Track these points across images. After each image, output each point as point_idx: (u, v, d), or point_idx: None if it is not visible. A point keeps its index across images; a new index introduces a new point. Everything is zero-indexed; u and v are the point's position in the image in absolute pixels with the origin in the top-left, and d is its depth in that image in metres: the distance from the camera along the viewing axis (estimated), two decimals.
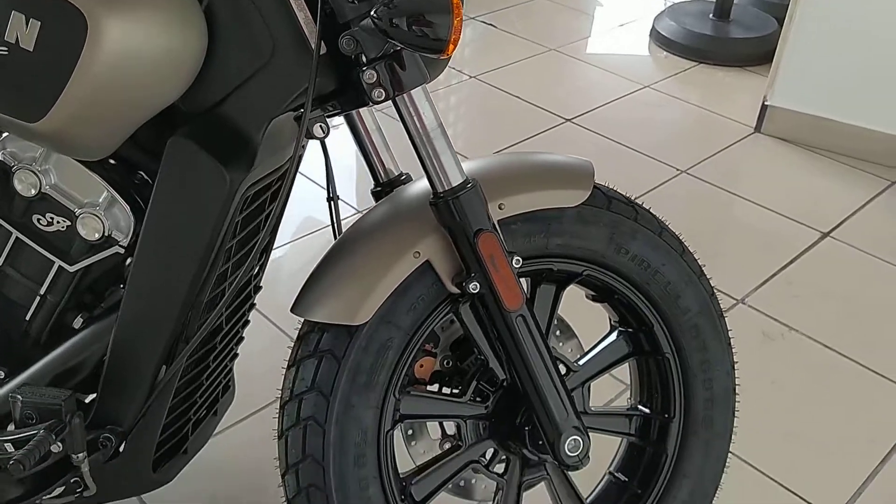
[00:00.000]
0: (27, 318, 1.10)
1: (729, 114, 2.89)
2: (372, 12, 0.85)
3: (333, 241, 1.22)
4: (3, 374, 1.10)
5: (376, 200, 1.22)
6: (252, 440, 1.59)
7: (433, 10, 0.85)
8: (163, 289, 1.00)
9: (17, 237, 1.05)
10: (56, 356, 1.07)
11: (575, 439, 1.08)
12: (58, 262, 1.05)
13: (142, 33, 0.88)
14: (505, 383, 1.14)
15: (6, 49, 0.88)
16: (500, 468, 1.19)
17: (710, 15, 3.39)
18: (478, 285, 1.01)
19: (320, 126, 1.02)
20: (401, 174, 1.22)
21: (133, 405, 1.06)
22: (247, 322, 1.29)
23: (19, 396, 0.98)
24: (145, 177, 1.07)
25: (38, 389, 1.00)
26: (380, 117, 1.20)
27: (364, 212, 1.18)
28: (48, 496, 1.04)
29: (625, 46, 3.40)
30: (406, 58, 0.93)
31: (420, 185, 1.08)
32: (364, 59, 0.92)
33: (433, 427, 1.22)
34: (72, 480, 1.04)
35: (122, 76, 0.89)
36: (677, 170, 2.52)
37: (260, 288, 1.28)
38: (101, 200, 1.02)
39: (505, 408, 1.15)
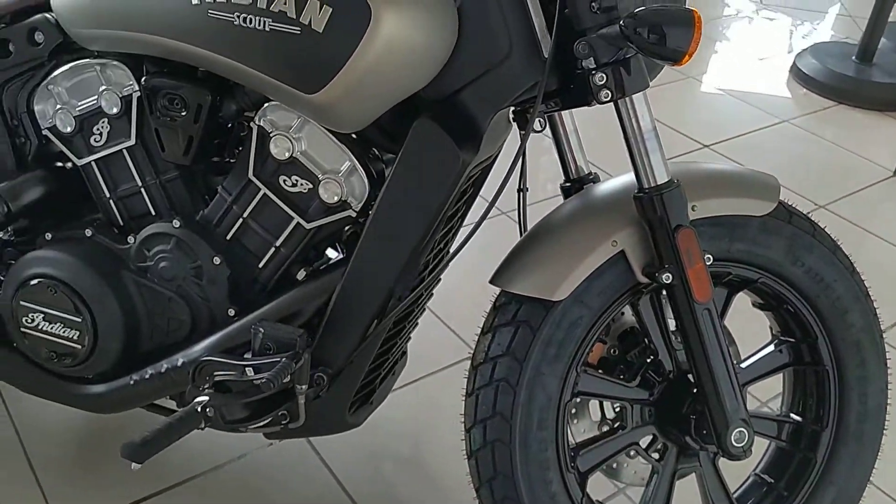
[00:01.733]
0: (260, 266, 1.25)
1: (867, 155, 2.90)
2: (620, 21, 0.97)
3: (519, 227, 1.34)
4: (233, 311, 1.26)
5: (565, 194, 1.34)
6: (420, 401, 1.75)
7: (677, 23, 0.96)
8: (390, 250, 1.14)
9: (264, 194, 1.21)
10: (283, 301, 1.22)
11: (741, 431, 1.16)
12: (297, 219, 1.20)
13: (411, 26, 1.02)
14: (671, 374, 1.24)
15: (299, 29, 1.03)
16: (654, 455, 1.29)
17: (853, 57, 3.39)
18: (671, 276, 1.11)
19: (539, 120, 1.15)
20: (589, 173, 1.34)
21: (345, 351, 1.20)
22: (431, 294, 1.43)
23: (261, 329, 1.14)
24: (376, 152, 1.22)
25: (275, 325, 1.15)
26: None
27: (545, 202, 1.30)
28: (262, 422, 1.19)
29: (764, 81, 3.43)
30: (633, 64, 1.05)
31: (618, 182, 1.19)
32: (595, 62, 1.04)
33: (594, 409, 1.32)
34: (283, 411, 1.19)
35: (390, 61, 1.03)
36: (815, 204, 2.55)
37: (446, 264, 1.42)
38: (342, 168, 1.17)
39: (670, 396, 1.24)
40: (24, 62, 1.28)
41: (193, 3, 1.08)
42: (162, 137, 1.21)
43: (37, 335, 1.28)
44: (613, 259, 1.14)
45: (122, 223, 1.31)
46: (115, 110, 1.24)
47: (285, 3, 1.03)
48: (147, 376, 1.26)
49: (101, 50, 1.23)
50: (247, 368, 1.12)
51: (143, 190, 1.28)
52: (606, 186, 1.20)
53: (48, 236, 1.30)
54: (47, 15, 1.27)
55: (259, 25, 1.05)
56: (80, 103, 1.26)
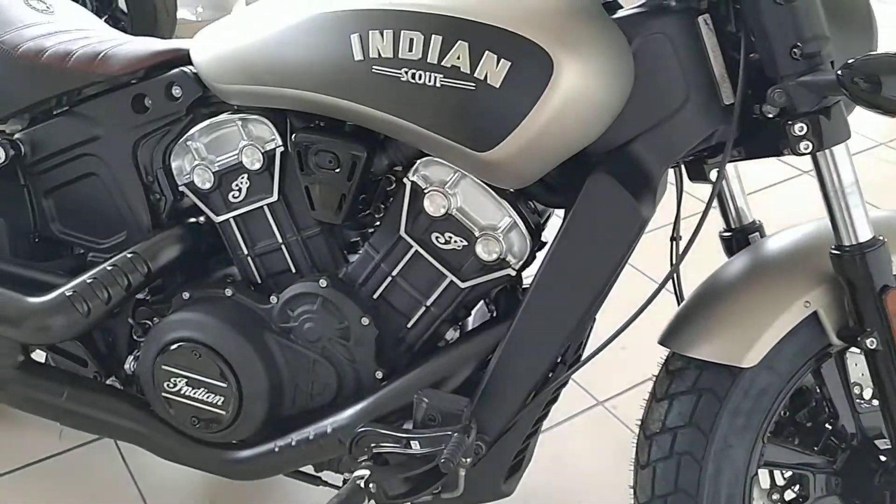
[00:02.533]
0: (409, 326, 1.19)
1: None
2: (838, 71, 0.88)
3: (673, 281, 1.25)
4: (381, 374, 1.20)
5: (726, 244, 1.25)
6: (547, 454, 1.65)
7: (894, 73, 0.87)
8: (559, 312, 1.07)
9: (415, 251, 1.14)
10: (436, 364, 1.15)
11: None
12: (450, 278, 1.14)
13: (593, 76, 0.95)
14: (855, 439, 1.14)
15: (473, 84, 0.97)
16: None
17: None
18: (875, 341, 1.01)
19: (716, 171, 1.07)
20: (753, 221, 1.25)
21: (505, 417, 1.13)
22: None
23: (425, 399, 1.07)
24: (536, 206, 1.15)
25: (439, 394, 1.09)
26: None
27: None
28: (421, 496, 1.12)
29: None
30: (835, 113, 0.96)
31: (802, 235, 1.10)
32: (792, 111, 0.96)
33: (763, 476, 1.23)
34: (441, 483, 1.12)
35: (569, 114, 0.96)
36: None
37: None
38: (501, 224, 1.10)
39: (857, 465, 1.14)
40: (161, 117, 1.25)
41: (356, 59, 1.02)
42: (312, 195, 1.15)
43: (179, 400, 1.23)
44: (805, 321, 1.04)
45: (259, 280, 1.26)
46: (256, 166, 1.19)
47: (459, 58, 0.96)
48: (293, 443, 1.20)
49: (243, 105, 1.18)
50: (412, 441, 1.06)
51: (283, 247, 1.23)
52: (788, 240, 1.11)
53: (185, 296, 1.26)
54: (185, 69, 1.24)
55: (429, 81, 0.99)
56: (219, 159, 1.22)
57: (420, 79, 0.99)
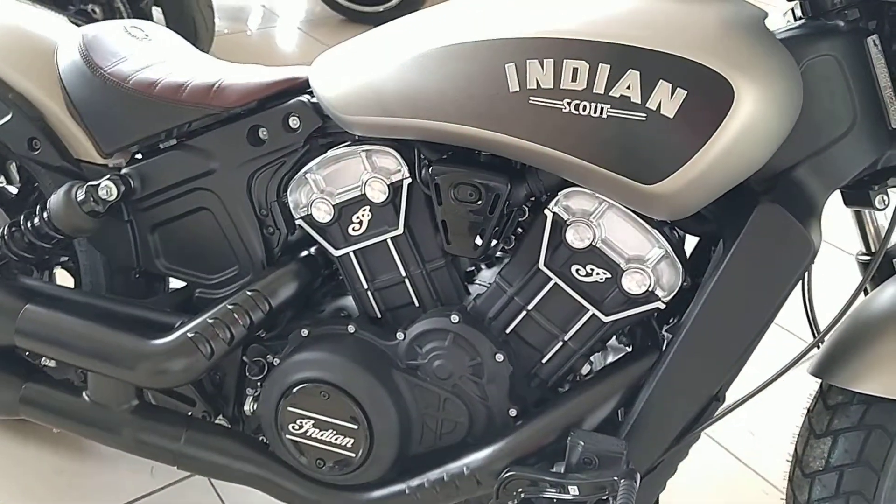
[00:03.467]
0: (543, 361, 1.15)
1: None
2: None
3: (805, 306, 1.21)
4: (515, 411, 1.15)
5: (864, 267, 1.21)
6: None
7: None
8: (721, 347, 1.03)
9: (555, 284, 1.10)
10: (579, 401, 1.11)
11: None
12: (592, 311, 1.09)
13: (769, 102, 0.91)
14: None
15: (644, 115, 0.92)
16: None
17: None
18: None
19: (882, 198, 1.03)
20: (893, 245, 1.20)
21: (653, 456, 1.08)
22: None
23: (581, 441, 1.03)
24: (679, 233, 1.10)
25: (596, 436, 1.04)
26: None
27: None
28: None
29: None
30: None
31: None
32: None
33: None
34: None
35: (745, 143, 0.92)
36: None
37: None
38: (650, 256, 1.05)
39: None
40: (278, 149, 1.20)
41: (511, 90, 0.97)
42: (448, 228, 1.11)
43: (305, 443, 1.18)
44: None
45: (378, 315, 1.22)
46: (381, 198, 1.14)
47: (629, 88, 0.92)
48: (426, 485, 1.15)
49: (369, 135, 1.13)
50: (569, 486, 1.01)
51: (406, 280, 1.19)
52: None
53: (304, 333, 1.21)
54: (303, 99, 1.19)
55: (594, 112, 0.94)
56: (340, 191, 1.17)
57: (584, 110, 0.94)
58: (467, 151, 1.10)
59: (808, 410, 1.11)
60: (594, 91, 0.94)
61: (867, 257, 1.21)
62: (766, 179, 0.99)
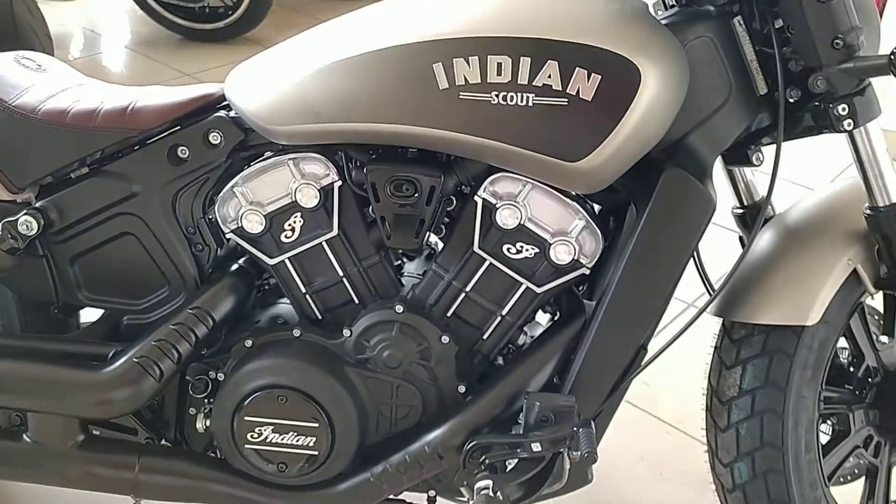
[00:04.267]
0: (484, 337, 1.23)
1: None
2: (890, 55, 1.01)
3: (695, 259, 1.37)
4: (463, 388, 1.23)
5: (740, 219, 1.39)
6: None
7: None
8: (643, 303, 1.15)
9: (489, 264, 1.19)
10: (523, 370, 1.20)
11: None
12: (525, 285, 1.19)
13: (667, 79, 1.04)
14: (879, 374, 1.30)
15: (566, 100, 1.03)
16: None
17: None
18: None
19: (758, 155, 1.20)
20: (761, 198, 1.39)
21: (595, 406, 1.19)
22: None
23: (537, 402, 1.12)
24: (591, 205, 1.22)
25: (548, 395, 1.14)
26: None
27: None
28: (536, 494, 1.17)
29: None
30: (868, 93, 1.11)
31: (827, 202, 1.25)
32: (832, 96, 1.10)
33: None
34: (549, 478, 1.18)
35: (652, 117, 1.05)
36: None
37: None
38: (572, 228, 1.16)
39: (884, 397, 1.30)
40: (200, 167, 1.21)
41: (441, 87, 1.05)
42: (388, 223, 1.17)
43: (265, 449, 1.20)
44: (849, 277, 1.19)
45: (318, 316, 1.26)
46: (312, 203, 1.19)
47: (549, 77, 1.02)
48: (389, 469, 1.21)
49: (297, 144, 1.17)
50: (532, 444, 1.10)
51: (344, 279, 1.24)
52: (816, 208, 1.26)
53: (248, 343, 1.23)
54: (221, 114, 1.21)
55: (521, 101, 1.04)
56: (270, 201, 1.20)
57: (511, 100, 1.04)
58: (394, 149, 1.17)
59: (716, 348, 1.27)
60: (519, 82, 1.03)
61: (741, 210, 1.39)
62: (665, 149, 1.13)
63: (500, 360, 1.28)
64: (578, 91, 1.03)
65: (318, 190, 1.18)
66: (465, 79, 1.05)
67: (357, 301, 1.25)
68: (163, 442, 1.30)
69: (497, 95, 1.04)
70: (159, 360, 1.15)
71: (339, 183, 1.19)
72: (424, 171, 1.14)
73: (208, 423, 1.22)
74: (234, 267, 1.28)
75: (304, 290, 1.24)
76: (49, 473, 1.19)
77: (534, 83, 1.03)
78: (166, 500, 1.24)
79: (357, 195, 1.21)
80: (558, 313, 1.29)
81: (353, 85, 1.09)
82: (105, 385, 1.14)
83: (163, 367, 1.15)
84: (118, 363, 1.15)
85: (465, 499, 1.29)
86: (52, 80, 1.26)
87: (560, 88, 1.03)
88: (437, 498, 1.30)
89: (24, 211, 1.18)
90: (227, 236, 1.23)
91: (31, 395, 1.14)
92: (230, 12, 3.86)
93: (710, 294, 1.28)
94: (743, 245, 1.40)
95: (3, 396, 1.14)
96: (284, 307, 1.32)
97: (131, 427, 1.29)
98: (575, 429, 1.09)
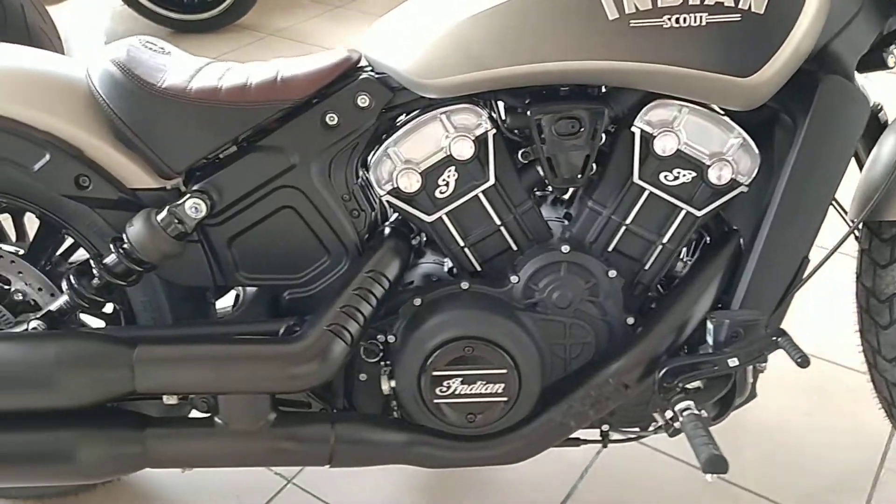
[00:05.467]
0: (646, 267, 1.25)
1: None
2: None
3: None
4: (631, 320, 1.25)
5: None
6: None
7: None
8: (807, 212, 1.18)
9: (649, 194, 1.21)
10: (691, 292, 1.23)
11: None
12: (686, 209, 1.21)
13: None
14: None
15: (739, 15, 1.05)
16: None
17: None
18: None
19: (892, 58, 1.23)
20: (876, 103, 1.41)
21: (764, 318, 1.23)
22: None
23: (725, 319, 1.15)
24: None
25: (731, 312, 1.17)
26: None
27: None
28: (731, 409, 1.21)
29: None
30: None
31: None
32: None
33: None
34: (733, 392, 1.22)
35: (812, 28, 1.07)
36: None
37: None
38: (729, 147, 1.18)
39: None
40: (352, 131, 1.21)
41: (611, 18, 1.06)
42: (554, 164, 1.18)
43: (454, 402, 1.21)
44: None
45: (478, 268, 1.27)
46: (468, 155, 1.19)
47: None
48: (575, 406, 1.23)
49: (453, 95, 1.17)
50: (728, 360, 1.13)
51: (502, 228, 1.25)
52: None
53: (416, 302, 1.24)
54: (367, 75, 1.21)
55: (694, 22, 1.05)
56: (424, 158, 1.20)
57: (684, 22, 1.05)
58: (545, 89, 1.17)
59: (863, 251, 1.30)
60: (690, 3, 1.05)
61: None
62: (813, 59, 1.15)
63: (659, 290, 1.30)
64: (750, 5, 1.04)
65: (473, 141, 1.18)
66: (636, 6, 1.06)
67: (515, 248, 1.26)
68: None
69: (669, 19, 1.05)
70: (348, 326, 1.15)
71: (493, 131, 1.19)
72: (588, 107, 1.15)
73: (393, 383, 1.22)
74: (388, 229, 1.28)
75: (462, 244, 1.25)
76: (243, 455, 1.19)
77: (706, 2, 1.04)
78: (360, 466, 1.25)
79: (509, 141, 1.22)
80: (707, 237, 1.32)
81: (517, 27, 1.09)
82: (301, 356, 1.14)
83: (352, 331, 1.16)
84: (309, 333, 1.15)
85: (638, 429, 1.33)
86: (181, 61, 1.24)
87: (732, 4, 1.04)
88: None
89: (189, 194, 1.16)
90: (383, 198, 1.23)
91: (226, 377, 1.13)
92: (220, 0, 3.79)
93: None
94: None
95: (197, 383, 1.14)
96: (429, 266, 1.33)
97: (305, 401, 1.30)
98: (776, 338, 1.12)
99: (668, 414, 1.19)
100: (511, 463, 1.28)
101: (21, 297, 1.28)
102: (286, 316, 1.26)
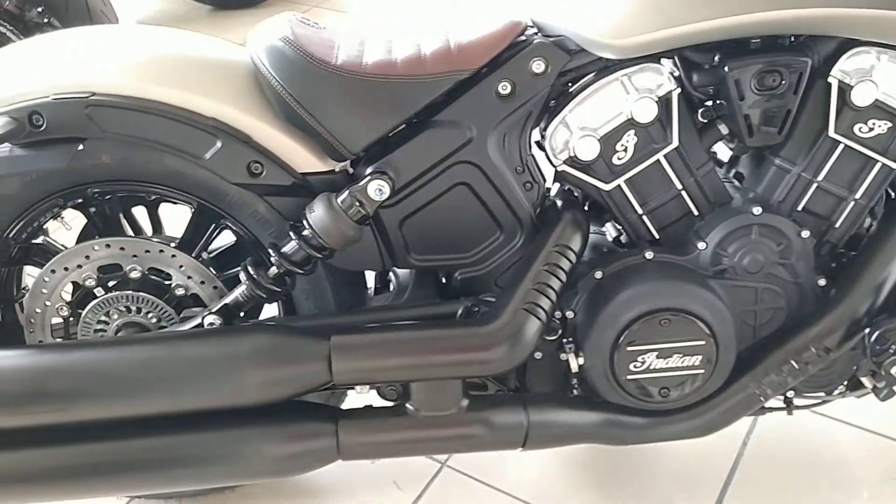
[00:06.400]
0: (835, 226, 1.19)
1: None
2: None
3: None
4: (823, 281, 1.19)
5: None
6: None
7: None
8: None
9: (843, 147, 1.14)
10: (885, 251, 1.17)
11: None
12: (882, 162, 1.15)
13: None
14: None
15: None
16: None
17: None
18: None
19: None
20: None
21: None
22: None
23: None
24: None
25: None
26: None
27: None
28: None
29: None
30: None
31: None
32: None
33: None
34: None
35: None
36: None
37: None
38: None
39: None
40: (528, 100, 1.14)
41: None
42: (753, 120, 1.11)
43: (648, 377, 1.17)
44: None
45: (656, 236, 1.21)
46: (651, 117, 1.13)
47: None
48: (772, 375, 1.18)
49: (640, 55, 1.10)
50: None
51: (683, 193, 1.19)
52: None
53: (598, 275, 1.18)
54: (542, 40, 1.14)
55: None
56: (604, 123, 1.14)
57: None
58: (733, 42, 1.10)
59: None
60: None
61: None
62: None
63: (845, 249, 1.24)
64: None
65: (656, 102, 1.12)
66: None
67: (696, 213, 1.20)
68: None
69: None
70: (541, 303, 1.10)
71: (678, 90, 1.13)
72: (790, 59, 1.08)
73: (581, 361, 1.17)
74: (561, 200, 1.22)
75: (640, 211, 1.19)
76: (436, 442, 1.15)
77: None
78: (551, 447, 1.21)
79: (689, 101, 1.15)
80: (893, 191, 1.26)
81: None
82: (498, 337, 1.09)
83: (545, 308, 1.10)
84: (502, 313, 1.10)
85: (823, 394, 1.28)
86: (341, 36, 1.17)
87: None
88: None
89: (371, 175, 1.10)
90: (558, 169, 1.17)
91: (426, 363, 1.08)
92: None
93: None
94: None
95: (394, 370, 1.09)
96: (594, 237, 1.27)
97: (481, 383, 1.25)
98: None
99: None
100: (703, 436, 1.23)
101: (182, 292, 1.23)
102: (450, 298, 1.22)
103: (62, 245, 1.28)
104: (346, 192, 1.10)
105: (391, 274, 1.33)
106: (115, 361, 1.05)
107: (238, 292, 1.15)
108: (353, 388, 1.15)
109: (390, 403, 1.18)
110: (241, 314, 1.18)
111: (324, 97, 1.09)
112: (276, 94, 1.10)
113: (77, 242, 1.24)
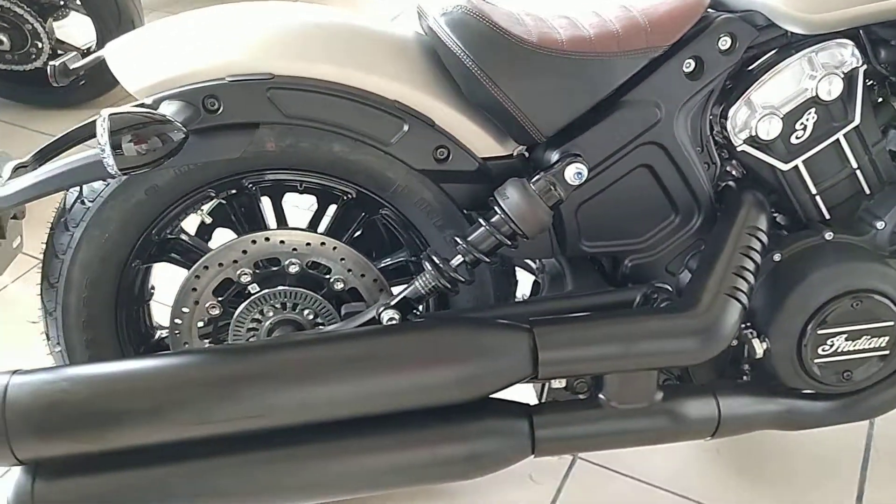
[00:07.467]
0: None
1: None
2: None
3: None
4: None
5: None
6: None
7: None
8: None
9: None
10: None
11: None
12: None
13: None
14: None
15: None
16: None
17: None
18: None
19: None
20: None
21: None
22: None
23: None
24: None
25: None
26: None
27: None
28: None
29: None
30: None
31: None
32: None
33: None
34: None
35: None
36: None
37: None
38: None
39: None
40: (714, 77, 1.10)
41: None
42: None
43: (832, 360, 1.14)
44: None
45: (827, 216, 1.19)
46: (836, 94, 1.10)
47: None
48: None
49: (828, 32, 1.08)
50: None
51: (857, 171, 1.17)
52: None
53: (776, 258, 1.15)
54: (729, 15, 1.10)
55: None
56: (788, 100, 1.11)
57: None
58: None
59: None
60: None
61: None
62: None
63: None
64: None
65: (843, 78, 1.10)
66: None
67: (868, 191, 1.18)
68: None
69: None
70: (742, 287, 1.07)
71: (865, 66, 1.11)
72: None
73: (765, 346, 1.15)
74: (730, 181, 1.19)
75: (814, 191, 1.17)
76: (630, 436, 1.10)
77: None
78: (735, 435, 1.17)
79: (873, 79, 1.14)
80: None
81: None
82: (702, 325, 1.04)
83: (746, 292, 1.07)
84: (702, 300, 1.05)
85: None
86: (513, 10, 1.11)
87: None
88: None
89: (568, 159, 1.05)
90: (739, 148, 1.14)
91: (632, 354, 1.04)
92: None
93: None
94: None
95: (601, 362, 1.04)
96: None
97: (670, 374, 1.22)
98: None
99: None
100: (876, 416, 1.22)
101: (341, 287, 1.16)
102: (623, 285, 1.18)
103: (200, 241, 1.20)
104: (541, 177, 1.05)
105: (533, 263, 1.28)
106: (313, 363, 0.98)
107: (418, 284, 1.09)
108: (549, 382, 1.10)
109: (581, 396, 1.14)
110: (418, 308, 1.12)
111: (521, 75, 1.03)
112: (463, 71, 1.03)
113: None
